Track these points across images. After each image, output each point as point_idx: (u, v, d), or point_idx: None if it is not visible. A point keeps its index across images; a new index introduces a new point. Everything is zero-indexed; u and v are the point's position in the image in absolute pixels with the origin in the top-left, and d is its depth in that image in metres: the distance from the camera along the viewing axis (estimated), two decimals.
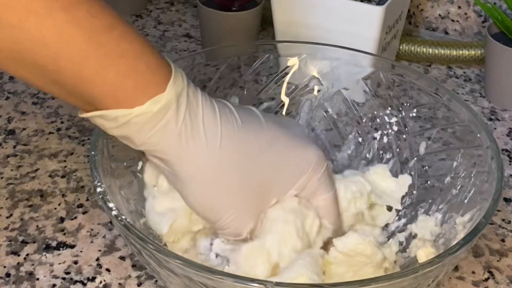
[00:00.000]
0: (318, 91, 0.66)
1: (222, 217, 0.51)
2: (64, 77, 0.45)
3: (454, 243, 0.47)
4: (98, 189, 0.50)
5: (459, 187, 0.57)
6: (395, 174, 0.62)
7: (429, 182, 0.60)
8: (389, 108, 0.64)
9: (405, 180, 0.61)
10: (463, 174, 0.57)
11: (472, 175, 0.56)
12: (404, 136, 0.63)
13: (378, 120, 0.64)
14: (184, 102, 0.47)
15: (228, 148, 0.49)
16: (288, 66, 0.66)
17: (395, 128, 0.64)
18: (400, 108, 0.63)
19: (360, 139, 0.65)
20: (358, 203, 0.57)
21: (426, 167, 0.61)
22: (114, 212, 0.48)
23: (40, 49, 0.43)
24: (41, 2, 0.42)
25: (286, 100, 0.66)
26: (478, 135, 0.56)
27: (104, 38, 0.44)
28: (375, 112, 0.64)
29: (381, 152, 0.64)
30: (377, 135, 0.64)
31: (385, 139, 0.64)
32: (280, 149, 0.52)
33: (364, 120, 0.65)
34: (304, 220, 0.53)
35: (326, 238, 0.55)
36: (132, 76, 0.45)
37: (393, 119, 0.64)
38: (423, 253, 0.53)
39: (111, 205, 0.49)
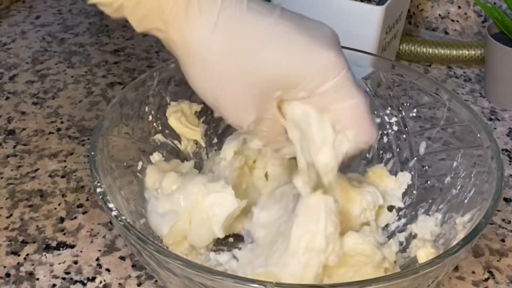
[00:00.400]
0: None
1: (220, 103, 0.50)
2: None
3: (454, 243, 0.47)
4: (98, 190, 0.50)
5: (459, 187, 0.57)
6: (395, 174, 0.63)
7: (429, 182, 0.61)
8: (389, 108, 0.64)
9: (405, 177, 0.61)
10: (463, 174, 0.57)
11: (472, 175, 0.56)
12: (404, 136, 0.63)
13: (378, 120, 0.64)
14: None
15: (225, 31, 0.47)
16: None
17: (395, 128, 0.64)
18: (400, 108, 0.63)
19: None
20: (369, 214, 0.57)
21: (426, 167, 0.61)
22: (114, 213, 0.48)
23: None
24: None
25: None
26: (478, 135, 0.56)
27: None
28: (375, 112, 0.64)
29: (381, 152, 0.64)
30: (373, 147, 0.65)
31: (385, 139, 0.64)
32: (286, 44, 0.48)
33: None
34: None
35: (350, 153, 0.51)
36: None
37: (393, 119, 0.64)
38: (423, 253, 0.53)
39: (111, 205, 0.49)
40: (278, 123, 0.52)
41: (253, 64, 0.48)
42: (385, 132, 0.64)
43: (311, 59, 0.49)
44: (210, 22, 0.47)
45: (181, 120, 0.62)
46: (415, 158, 0.62)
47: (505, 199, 0.67)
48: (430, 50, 0.86)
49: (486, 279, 0.59)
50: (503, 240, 0.62)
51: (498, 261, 0.60)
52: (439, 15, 0.92)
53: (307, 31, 0.49)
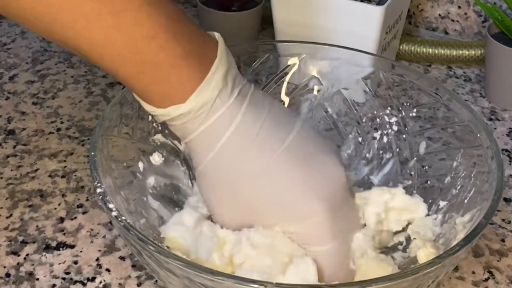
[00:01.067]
0: (318, 91, 0.66)
1: (213, 213, 0.55)
2: (105, 68, 0.49)
3: (454, 243, 0.47)
4: (98, 190, 0.50)
5: (459, 187, 0.57)
6: (394, 175, 0.63)
7: (429, 182, 0.60)
8: (389, 108, 0.64)
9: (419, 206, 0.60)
10: (463, 174, 0.57)
11: (472, 175, 0.55)
12: (404, 136, 0.63)
13: (378, 120, 0.64)
14: (206, 110, 0.50)
15: (224, 160, 0.52)
16: (288, 66, 0.65)
17: (395, 128, 0.64)
18: (400, 108, 0.63)
19: (360, 139, 0.65)
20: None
21: (426, 167, 0.61)
22: (114, 213, 0.48)
23: (87, 47, 0.47)
24: (92, 6, 0.45)
25: (286, 100, 0.66)
26: (478, 135, 0.56)
27: (144, 47, 0.47)
28: (375, 112, 0.64)
29: (381, 152, 0.64)
30: (377, 135, 0.64)
31: (385, 139, 0.64)
32: (271, 185, 0.52)
33: (364, 120, 0.65)
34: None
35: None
36: (162, 85, 0.49)
37: (393, 119, 0.64)
38: (423, 253, 0.53)
39: (111, 205, 0.49)
40: None
41: (240, 196, 0.52)
42: (385, 132, 0.64)
43: (291, 202, 0.52)
44: (214, 148, 0.51)
45: None
46: (415, 158, 0.62)
47: (505, 199, 0.67)
48: (430, 50, 0.86)
49: (486, 279, 0.59)
50: (503, 240, 0.62)
51: (498, 261, 0.60)
52: (439, 15, 0.92)
53: (305, 169, 0.52)
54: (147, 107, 0.51)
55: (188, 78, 0.49)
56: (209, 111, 0.50)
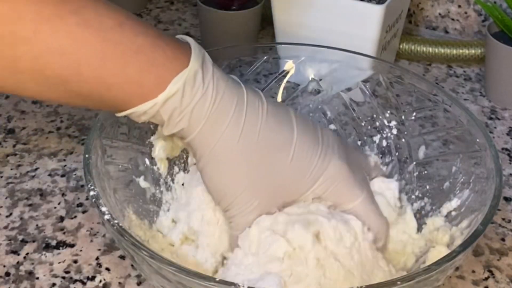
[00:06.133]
0: (317, 93, 0.66)
1: (230, 205, 0.52)
2: (88, 86, 0.45)
3: (452, 248, 0.47)
4: (91, 193, 0.50)
5: (457, 191, 0.57)
6: (393, 176, 0.63)
7: (428, 187, 0.60)
8: (389, 111, 0.64)
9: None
10: (462, 179, 0.57)
11: (471, 180, 0.55)
12: (403, 139, 0.63)
13: (377, 123, 0.64)
14: (211, 82, 0.49)
15: (246, 140, 0.50)
16: (287, 68, 0.66)
17: (395, 131, 0.63)
18: (400, 111, 0.63)
19: (359, 142, 0.65)
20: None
21: (425, 171, 0.61)
22: (106, 216, 0.48)
23: (59, 59, 0.43)
24: (51, 8, 0.42)
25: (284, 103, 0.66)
26: (478, 139, 0.56)
27: (117, 35, 0.45)
28: (374, 115, 0.64)
29: (380, 155, 0.64)
30: (376, 138, 0.64)
31: (384, 142, 0.64)
32: (297, 153, 0.52)
33: (363, 123, 0.65)
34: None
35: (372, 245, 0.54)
36: (152, 70, 0.46)
37: (393, 122, 0.63)
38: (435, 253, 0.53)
39: (103, 209, 0.48)
40: None
41: (269, 172, 0.51)
42: (384, 135, 0.64)
43: (323, 168, 0.53)
44: (235, 134, 0.50)
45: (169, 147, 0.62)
46: (414, 162, 0.62)
47: (505, 198, 0.67)
48: (430, 49, 0.86)
49: (486, 278, 0.59)
50: (503, 239, 0.62)
51: (498, 260, 0.60)
52: (439, 14, 0.92)
53: (316, 137, 0.54)
54: (149, 104, 0.48)
55: (174, 54, 0.47)
56: (213, 78, 0.49)
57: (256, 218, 0.52)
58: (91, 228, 0.62)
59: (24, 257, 0.59)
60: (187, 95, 0.48)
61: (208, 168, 0.52)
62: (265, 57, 0.65)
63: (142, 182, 0.58)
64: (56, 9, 0.42)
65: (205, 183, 0.53)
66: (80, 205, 0.64)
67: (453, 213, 0.56)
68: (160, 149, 0.59)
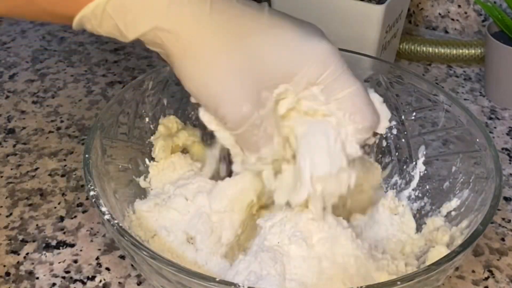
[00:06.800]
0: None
1: (218, 104, 0.49)
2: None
3: (452, 249, 0.47)
4: (91, 193, 0.50)
5: (457, 191, 0.57)
6: (392, 177, 0.63)
7: (427, 186, 0.60)
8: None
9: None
10: (461, 179, 0.57)
11: (470, 180, 0.55)
12: (403, 139, 0.63)
13: None
14: None
15: (219, 21, 0.47)
16: None
17: (394, 131, 0.63)
18: (399, 111, 0.63)
19: None
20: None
21: (425, 171, 0.61)
22: (106, 216, 0.48)
23: None
24: None
25: None
26: (477, 139, 0.56)
27: None
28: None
29: (380, 156, 0.64)
30: (376, 138, 0.64)
31: (384, 143, 0.64)
32: (280, 33, 0.49)
33: None
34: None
35: (362, 140, 0.51)
36: None
37: (392, 122, 0.63)
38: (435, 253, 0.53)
39: (103, 209, 0.48)
40: (271, 126, 0.51)
41: (250, 53, 0.48)
42: (384, 135, 0.64)
43: (309, 47, 0.49)
44: (204, 12, 0.46)
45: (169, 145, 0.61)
46: (414, 162, 0.62)
47: (505, 198, 0.67)
48: (430, 49, 0.86)
49: (486, 278, 0.59)
50: (503, 239, 0.62)
51: (498, 260, 0.60)
52: (439, 14, 0.92)
53: (299, 24, 0.50)
54: (88, 9, 0.45)
55: None
56: None
57: (251, 108, 0.49)
58: (91, 228, 0.62)
59: (24, 257, 0.59)
60: None
61: (185, 69, 0.48)
62: None
63: (142, 182, 0.59)
64: None
65: (186, 87, 0.49)
66: (80, 205, 0.64)
67: (453, 213, 0.56)
68: (160, 149, 0.59)
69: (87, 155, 0.52)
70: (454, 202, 0.56)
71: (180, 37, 0.47)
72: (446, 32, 0.93)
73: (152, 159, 0.59)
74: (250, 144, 0.51)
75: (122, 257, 0.59)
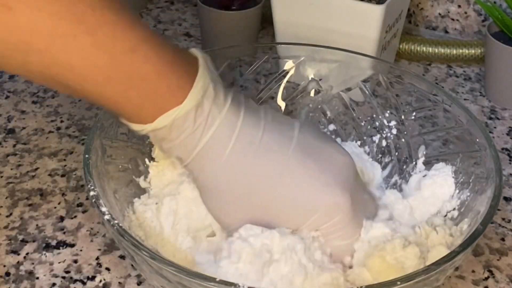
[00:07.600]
0: (317, 93, 0.66)
1: (223, 225, 0.54)
2: (91, 95, 0.47)
3: (452, 249, 0.47)
4: (91, 193, 0.50)
5: (457, 192, 0.57)
6: (392, 177, 0.63)
7: None
8: (388, 111, 0.64)
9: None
10: (461, 179, 0.57)
11: (470, 180, 0.55)
12: (403, 139, 0.63)
13: (377, 123, 0.64)
14: (202, 123, 0.49)
15: (235, 164, 0.51)
16: (287, 68, 0.65)
17: (394, 131, 0.63)
18: (399, 111, 0.63)
19: (359, 142, 0.65)
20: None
21: (425, 171, 0.61)
22: (106, 217, 0.48)
23: (66, 72, 0.45)
24: (67, 26, 0.43)
25: (282, 104, 0.66)
26: (477, 139, 0.56)
27: (127, 61, 0.46)
28: (374, 115, 0.64)
29: (380, 155, 0.64)
30: (376, 138, 0.64)
31: (383, 143, 0.64)
32: (292, 184, 0.51)
33: (363, 123, 0.65)
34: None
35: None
36: (152, 98, 0.48)
37: (392, 122, 0.64)
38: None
39: (103, 209, 0.49)
40: None
41: (262, 206, 0.52)
42: (384, 135, 0.64)
43: (322, 199, 0.51)
44: (222, 166, 0.51)
45: None
46: (414, 162, 0.62)
47: (505, 198, 0.67)
48: (430, 49, 0.86)
49: (486, 278, 0.59)
50: (503, 239, 0.62)
51: (498, 260, 0.60)
52: (439, 14, 0.92)
53: (319, 164, 0.52)
54: (138, 127, 0.50)
55: (177, 86, 0.48)
56: (207, 119, 0.49)
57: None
58: (91, 228, 0.62)
59: (24, 257, 0.59)
60: (174, 130, 0.49)
61: (201, 194, 0.54)
62: (265, 57, 0.65)
63: (142, 182, 0.59)
64: (72, 27, 0.43)
65: (206, 207, 0.55)
66: (80, 205, 0.64)
67: (453, 213, 0.56)
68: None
69: (87, 155, 0.52)
70: (454, 202, 0.56)
71: (197, 180, 0.53)
72: (446, 32, 0.93)
73: (152, 159, 0.59)
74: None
75: (122, 257, 0.59)
